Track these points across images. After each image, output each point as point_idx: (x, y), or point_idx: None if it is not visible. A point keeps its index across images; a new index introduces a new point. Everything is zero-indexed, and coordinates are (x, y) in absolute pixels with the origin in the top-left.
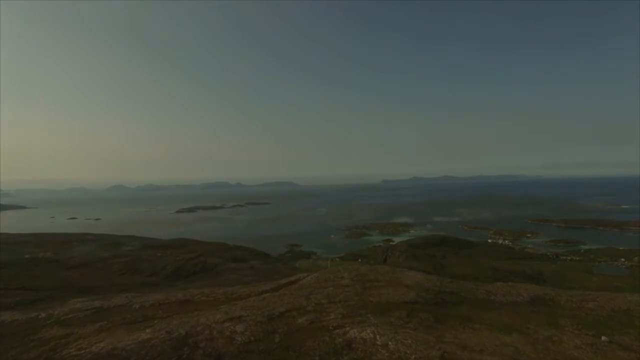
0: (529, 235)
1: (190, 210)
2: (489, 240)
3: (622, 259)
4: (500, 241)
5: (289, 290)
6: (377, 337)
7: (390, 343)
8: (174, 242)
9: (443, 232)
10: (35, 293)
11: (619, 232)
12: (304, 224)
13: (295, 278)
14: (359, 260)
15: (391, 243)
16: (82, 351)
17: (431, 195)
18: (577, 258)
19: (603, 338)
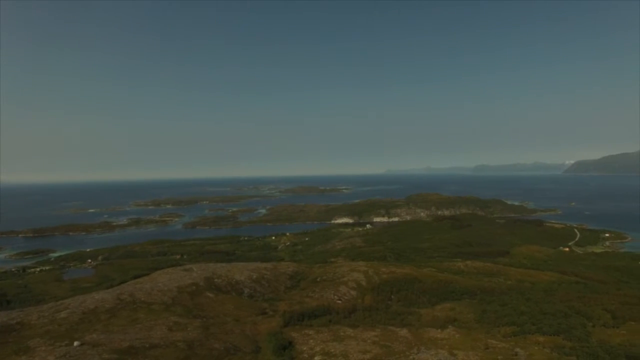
0: None
1: None
2: None
3: (89, 260)
4: None
5: None
6: None
7: None
8: None
9: None
10: None
11: (86, 235)
12: None
13: None
14: None
15: None
16: None
17: None
18: (48, 267)
19: (76, 343)
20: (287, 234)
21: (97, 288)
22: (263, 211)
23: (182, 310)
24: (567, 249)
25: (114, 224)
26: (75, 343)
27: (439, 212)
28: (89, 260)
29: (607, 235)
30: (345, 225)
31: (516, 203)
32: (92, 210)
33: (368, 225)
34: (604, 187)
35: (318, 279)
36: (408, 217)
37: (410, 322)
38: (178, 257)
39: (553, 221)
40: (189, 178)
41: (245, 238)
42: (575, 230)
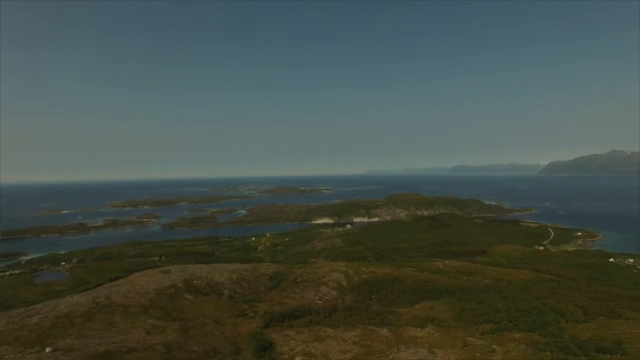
0: None
1: None
2: None
3: (63, 263)
4: None
5: None
6: None
7: None
8: None
9: None
10: None
11: (60, 237)
12: None
13: None
14: None
15: None
16: None
17: None
18: (18, 271)
19: (47, 349)
20: (267, 234)
21: (71, 291)
22: (243, 212)
23: (161, 312)
24: (542, 248)
25: (89, 225)
26: (47, 349)
27: (418, 212)
28: (63, 263)
29: (579, 234)
30: (326, 225)
31: (493, 203)
32: (65, 212)
33: (348, 226)
34: (576, 187)
35: (298, 280)
36: (388, 217)
37: (390, 321)
38: (156, 258)
39: (528, 221)
40: (166, 179)
41: (225, 239)
42: (550, 230)
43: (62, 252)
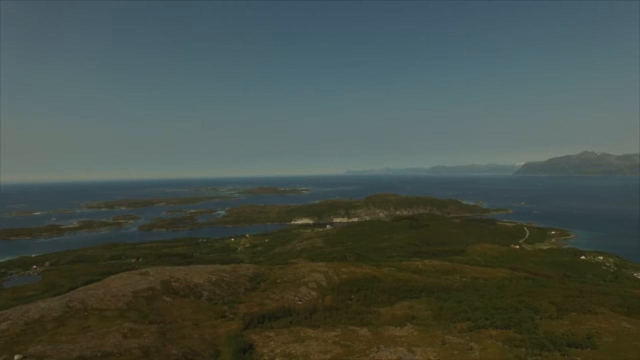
0: None
1: None
2: None
3: (34, 266)
4: None
5: None
6: None
7: None
8: None
9: None
10: None
11: (31, 239)
12: None
13: None
14: None
15: None
16: None
17: None
18: None
19: (17, 357)
20: (247, 235)
21: (43, 296)
22: (222, 212)
23: (138, 315)
24: (517, 247)
25: (63, 227)
26: (17, 357)
27: (398, 212)
28: (34, 267)
29: (553, 232)
30: (306, 226)
31: (471, 203)
32: (38, 213)
33: (328, 226)
34: (550, 187)
35: (278, 280)
36: (367, 218)
37: (370, 321)
38: (133, 260)
39: (505, 220)
40: (144, 179)
41: (204, 240)
42: (525, 229)
43: (33, 255)
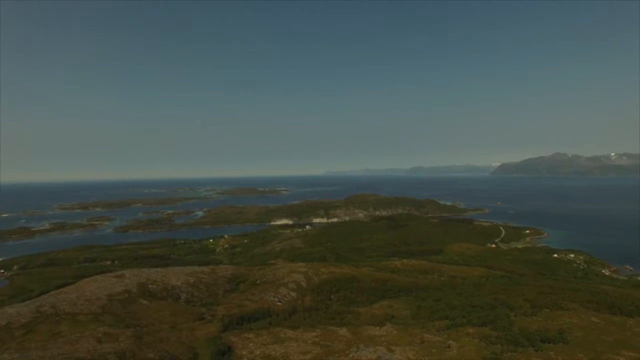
0: None
1: None
2: None
3: (2, 270)
4: None
5: None
6: None
7: None
8: None
9: None
10: None
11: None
12: None
13: None
14: None
15: None
16: None
17: None
18: None
19: None
20: (226, 236)
21: (11, 301)
22: (200, 213)
23: (113, 319)
24: (493, 246)
25: (34, 229)
26: None
27: (377, 213)
28: (2, 271)
29: (527, 231)
30: (285, 226)
31: (449, 203)
32: (5, 215)
33: (307, 227)
34: (525, 187)
35: (258, 282)
36: (347, 218)
37: (349, 321)
38: (109, 263)
39: (482, 220)
40: (120, 179)
41: (182, 241)
42: (501, 228)
43: (0, 259)
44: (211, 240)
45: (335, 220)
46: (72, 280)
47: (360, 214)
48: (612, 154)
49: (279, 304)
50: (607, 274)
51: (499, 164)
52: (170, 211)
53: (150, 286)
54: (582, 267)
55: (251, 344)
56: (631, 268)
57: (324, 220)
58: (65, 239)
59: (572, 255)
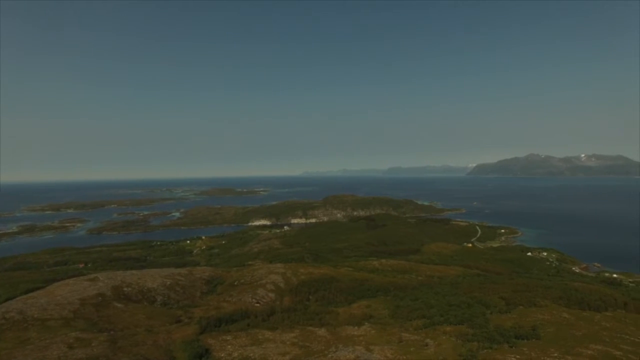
0: None
1: None
2: None
3: None
4: None
5: None
6: None
7: None
8: None
9: None
10: None
11: None
12: None
13: None
14: None
15: None
16: None
17: None
18: None
19: None
20: (203, 237)
21: None
22: (177, 214)
23: (86, 324)
24: (470, 245)
25: (0, 232)
26: None
27: (355, 213)
28: None
29: (503, 231)
30: (263, 227)
31: (426, 203)
32: None
33: (286, 227)
34: (500, 187)
35: (235, 283)
36: (325, 218)
37: (328, 321)
38: (81, 266)
39: (458, 219)
40: (92, 180)
41: (158, 243)
42: (477, 228)
43: None
44: (188, 242)
45: (313, 220)
46: (42, 284)
47: (338, 215)
48: (582, 155)
49: (257, 305)
50: (577, 271)
51: (475, 164)
52: (146, 212)
53: (125, 289)
54: (554, 265)
55: (229, 346)
56: (599, 265)
57: (303, 220)
58: (34, 241)
59: (545, 254)
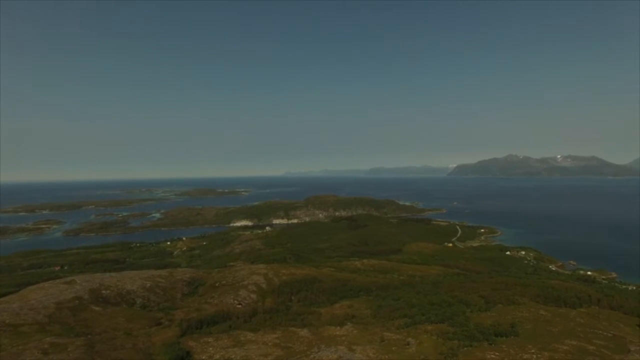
0: None
1: None
2: None
3: None
4: None
5: None
6: None
7: None
8: None
9: None
10: None
11: None
12: None
13: None
14: None
15: None
16: None
17: None
18: None
19: None
20: (184, 238)
21: None
22: (157, 215)
23: (62, 329)
24: (450, 245)
25: None
26: None
27: (337, 213)
28: None
29: (482, 230)
30: (245, 228)
31: (407, 203)
32: None
33: (267, 228)
34: (480, 188)
35: (217, 284)
36: (307, 219)
37: (310, 321)
38: (57, 269)
39: (439, 219)
40: (69, 180)
41: (138, 244)
42: (457, 227)
43: None
44: (169, 243)
45: (295, 221)
46: (15, 288)
47: (320, 215)
48: (559, 156)
49: (239, 306)
50: (554, 269)
51: (455, 165)
52: (125, 213)
53: (103, 292)
54: (532, 264)
55: (210, 348)
56: (574, 263)
57: (284, 221)
58: (7, 244)
59: (523, 253)
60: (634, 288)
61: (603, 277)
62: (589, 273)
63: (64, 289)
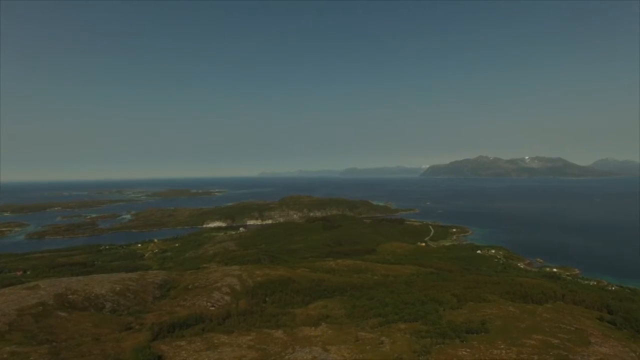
0: None
1: None
2: None
3: None
4: None
5: None
6: None
7: None
8: None
9: None
10: None
11: None
12: None
13: None
14: None
15: None
16: None
17: None
18: None
19: None
20: (155, 240)
21: None
22: (128, 217)
23: (23, 336)
24: (423, 244)
25: None
26: None
27: (311, 214)
28: None
29: (454, 230)
30: (218, 229)
31: (381, 203)
32: None
33: (241, 229)
34: (452, 188)
35: (190, 287)
36: (281, 220)
37: (285, 322)
38: (19, 273)
39: (412, 219)
40: (32, 181)
41: (107, 247)
42: (430, 227)
43: None
44: (139, 245)
45: (269, 222)
46: None
47: (295, 216)
48: (527, 157)
49: (213, 308)
50: (522, 267)
51: (428, 166)
52: (93, 215)
53: (70, 296)
54: (501, 262)
55: (183, 352)
56: (541, 261)
57: (259, 222)
58: None
59: (493, 251)
60: (595, 283)
61: (567, 273)
62: (554, 270)
63: (27, 294)
